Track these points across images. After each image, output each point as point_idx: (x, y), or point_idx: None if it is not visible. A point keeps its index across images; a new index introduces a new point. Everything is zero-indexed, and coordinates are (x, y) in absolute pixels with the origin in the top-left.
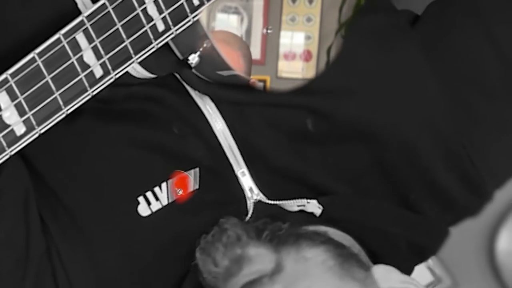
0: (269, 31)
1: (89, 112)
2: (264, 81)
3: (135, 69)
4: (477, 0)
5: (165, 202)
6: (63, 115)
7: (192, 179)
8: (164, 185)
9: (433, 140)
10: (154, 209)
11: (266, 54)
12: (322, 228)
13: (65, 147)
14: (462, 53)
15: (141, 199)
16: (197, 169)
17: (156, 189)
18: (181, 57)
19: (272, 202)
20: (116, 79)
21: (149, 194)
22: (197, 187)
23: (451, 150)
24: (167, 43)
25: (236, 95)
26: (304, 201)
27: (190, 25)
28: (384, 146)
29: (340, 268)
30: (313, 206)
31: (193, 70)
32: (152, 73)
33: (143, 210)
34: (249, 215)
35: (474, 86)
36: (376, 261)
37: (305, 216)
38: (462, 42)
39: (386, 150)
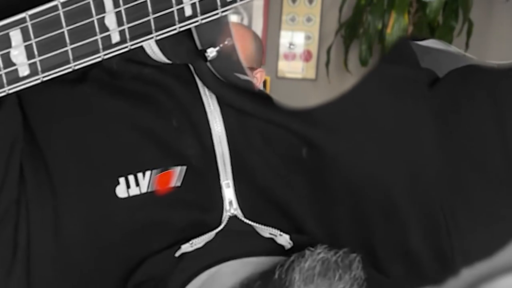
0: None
1: (95, 81)
2: (264, 81)
3: (152, 49)
4: (498, 86)
5: (144, 190)
6: (69, 70)
7: (176, 175)
8: (148, 173)
9: (416, 202)
10: (131, 194)
11: (266, 54)
12: None
13: (63, 108)
14: (470, 132)
15: (122, 180)
16: (184, 167)
17: (139, 174)
18: (199, 48)
19: (246, 221)
20: (129, 51)
21: (131, 178)
22: (179, 184)
23: (432, 217)
24: (189, 31)
25: (242, 102)
26: (277, 232)
27: (217, 18)
28: (367, 195)
29: None
30: (284, 240)
31: (208, 64)
32: (168, 58)
33: (121, 191)
34: (220, 227)
35: (474, 167)
36: None
37: (273, 246)
38: (473, 121)
39: (368, 200)
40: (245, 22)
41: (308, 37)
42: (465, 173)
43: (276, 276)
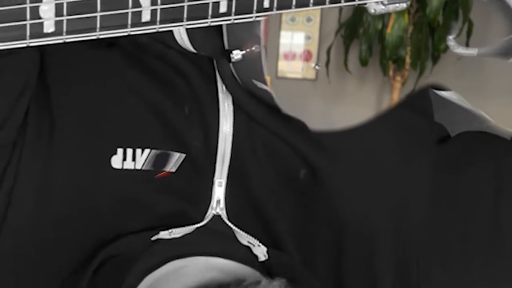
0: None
1: (119, 49)
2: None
3: (181, 35)
4: (505, 162)
5: (138, 167)
6: (94, 38)
7: (174, 161)
8: (147, 151)
9: (395, 250)
10: (125, 167)
11: (266, 54)
12: None
13: (81, 67)
14: (465, 199)
15: (120, 151)
16: (183, 156)
17: (138, 150)
18: (226, 47)
19: (229, 223)
20: (156, 33)
21: (129, 151)
22: (173, 170)
23: (406, 268)
24: (220, 28)
25: (255, 109)
26: (256, 242)
27: (250, 22)
28: (350, 232)
29: None
30: (260, 252)
31: (231, 65)
32: (194, 48)
33: (116, 162)
34: (202, 223)
35: (460, 234)
36: None
37: (248, 255)
38: (471, 191)
39: (350, 237)
40: None
41: (308, 37)
42: (449, 237)
43: None
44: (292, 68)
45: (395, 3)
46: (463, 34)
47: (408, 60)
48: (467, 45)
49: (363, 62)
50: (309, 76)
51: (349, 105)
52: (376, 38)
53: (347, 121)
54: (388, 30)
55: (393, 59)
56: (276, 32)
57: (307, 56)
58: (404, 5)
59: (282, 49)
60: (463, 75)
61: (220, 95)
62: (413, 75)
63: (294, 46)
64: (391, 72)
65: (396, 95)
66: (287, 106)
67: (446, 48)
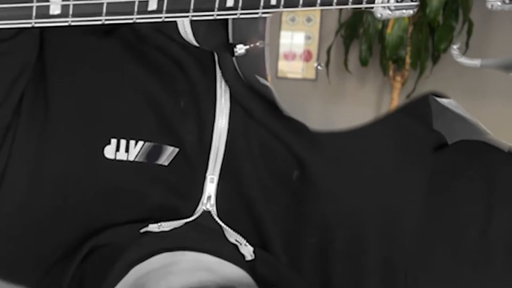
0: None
1: (121, 39)
2: None
3: (185, 28)
4: (499, 173)
5: (131, 158)
6: (99, 23)
7: (167, 155)
8: (140, 143)
9: (383, 254)
10: (118, 157)
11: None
12: None
13: (81, 54)
14: (457, 209)
15: (113, 141)
16: (177, 150)
17: (132, 142)
18: (230, 41)
19: (218, 220)
20: (162, 22)
21: (122, 142)
22: (166, 164)
23: (393, 273)
24: (225, 22)
25: (253, 105)
26: (243, 240)
27: (256, 18)
28: (338, 234)
29: None
30: (247, 251)
31: (234, 59)
32: (197, 41)
33: (109, 152)
34: (191, 218)
35: (449, 243)
36: None
37: (235, 253)
38: (464, 200)
39: (338, 238)
40: None
41: (308, 37)
42: (439, 246)
43: None
44: (292, 68)
45: (401, 9)
46: (463, 34)
47: (408, 60)
48: (467, 45)
49: (363, 62)
50: (309, 76)
51: (349, 105)
52: (376, 38)
53: (347, 121)
54: (388, 30)
55: (393, 59)
56: (276, 32)
57: (307, 56)
58: (410, 12)
59: (282, 49)
60: (463, 75)
61: (218, 91)
62: (413, 75)
63: (294, 46)
64: (391, 72)
65: (396, 95)
66: (287, 106)
67: (446, 48)
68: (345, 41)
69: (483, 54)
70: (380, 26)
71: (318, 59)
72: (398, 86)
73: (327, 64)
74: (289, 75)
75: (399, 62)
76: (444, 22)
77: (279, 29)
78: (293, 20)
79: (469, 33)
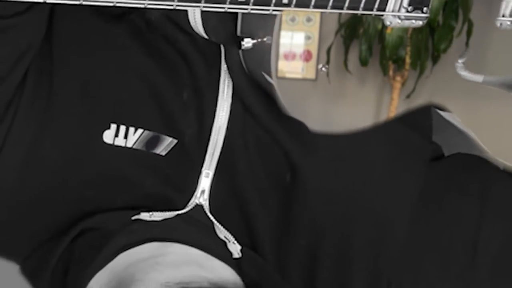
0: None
1: (130, 24)
2: None
3: (195, 19)
4: (492, 190)
5: (129, 145)
6: (111, 4)
7: (165, 145)
8: (140, 131)
9: (369, 261)
10: (116, 143)
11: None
12: None
13: (90, 38)
14: (447, 221)
15: (113, 126)
16: (175, 141)
17: (131, 129)
18: (238, 33)
19: (209, 215)
20: (173, 10)
21: (122, 128)
22: (163, 154)
23: (378, 280)
24: (235, 15)
25: (254, 102)
26: (232, 238)
27: (266, 14)
28: (327, 239)
29: None
30: (234, 249)
31: (240, 52)
32: (205, 32)
33: (108, 136)
34: (183, 211)
35: (436, 255)
36: None
37: (223, 250)
38: (455, 213)
39: (327, 243)
40: None
41: (308, 37)
42: (426, 256)
43: None
44: (292, 68)
45: (411, 19)
46: (463, 34)
47: (408, 60)
48: (467, 45)
49: (363, 62)
50: (309, 76)
51: (349, 105)
52: (376, 38)
53: (347, 121)
54: (388, 30)
55: (393, 59)
56: (276, 32)
57: (307, 56)
58: (420, 23)
59: (282, 49)
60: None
61: (221, 87)
62: (413, 75)
63: (294, 46)
64: (391, 72)
65: (396, 95)
66: (287, 106)
67: (446, 48)
68: (345, 41)
69: (483, 54)
70: (380, 26)
71: (318, 59)
72: (398, 86)
73: (327, 64)
74: (289, 75)
75: (399, 62)
76: (444, 22)
77: (279, 29)
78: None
79: (469, 33)
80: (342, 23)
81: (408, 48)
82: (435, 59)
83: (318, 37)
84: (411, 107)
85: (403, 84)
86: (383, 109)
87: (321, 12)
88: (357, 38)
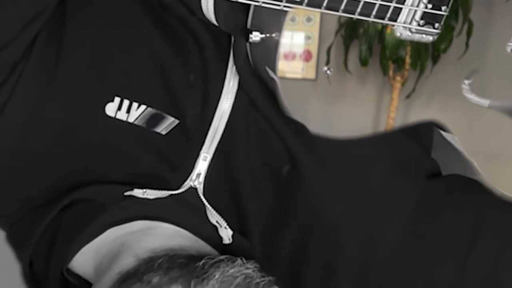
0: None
1: (144, 2)
2: None
3: (208, 5)
4: (487, 214)
5: (131, 120)
6: None
7: (166, 124)
8: (143, 107)
9: (358, 268)
10: (118, 116)
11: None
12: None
13: (103, 10)
14: (438, 240)
15: (117, 99)
16: (177, 121)
17: (135, 104)
18: (248, 26)
19: (203, 198)
20: None
21: (125, 102)
22: (163, 133)
23: (365, 284)
24: (247, 8)
25: (257, 94)
26: (224, 223)
27: (277, 10)
28: (317, 238)
29: None
30: (226, 234)
31: (247, 45)
32: (216, 20)
33: (110, 109)
34: (177, 192)
35: (425, 270)
36: None
37: (213, 234)
38: (446, 233)
39: (316, 243)
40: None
41: (308, 37)
42: (414, 271)
43: (200, 263)
44: (292, 68)
45: (422, 33)
46: (463, 34)
47: (408, 60)
48: (467, 45)
49: (363, 62)
50: (309, 76)
51: (349, 105)
52: (376, 38)
53: (347, 121)
54: (388, 30)
55: (393, 59)
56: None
57: (307, 56)
58: (430, 38)
59: (282, 49)
60: (463, 75)
61: (228, 74)
62: (413, 75)
63: (294, 46)
64: (391, 72)
65: (396, 95)
66: (287, 106)
67: (446, 48)
68: (345, 41)
69: (483, 54)
70: (380, 26)
71: (318, 59)
72: (398, 86)
73: (327, 64)
74: (289, 75)
75: (399, 62)
76: (444, 22)
77: None
78: (293, 20)
79: (469, 33)
80: (342, 23)
81: (408, 48)
82: (435, 59)
83: (318, 37)
84: (413, 122)
85: (403, 84)
86: (383, 109)
87: (321, 12)
88: (357, 38)
